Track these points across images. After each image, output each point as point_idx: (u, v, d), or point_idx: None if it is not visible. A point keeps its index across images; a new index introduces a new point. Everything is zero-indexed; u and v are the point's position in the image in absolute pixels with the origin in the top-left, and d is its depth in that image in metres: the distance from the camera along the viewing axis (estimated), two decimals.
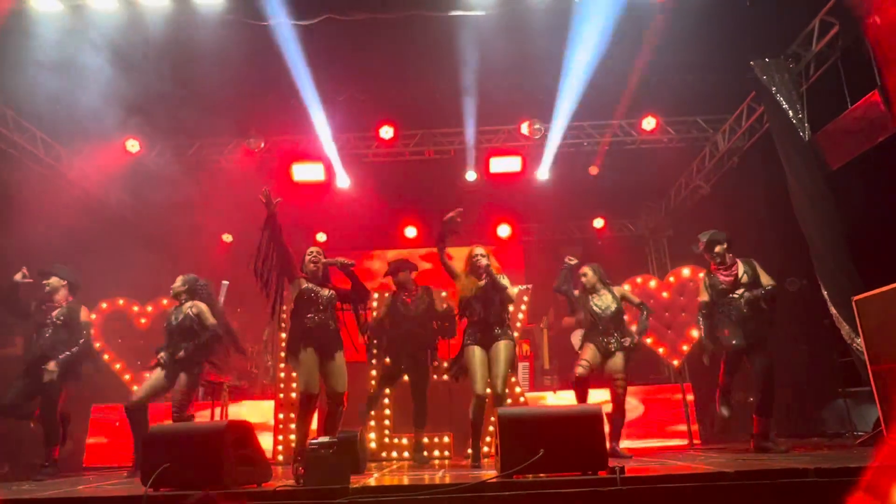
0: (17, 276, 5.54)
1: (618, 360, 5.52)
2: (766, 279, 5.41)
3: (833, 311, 5.88)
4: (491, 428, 5.97)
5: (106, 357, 7.63)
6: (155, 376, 5.37)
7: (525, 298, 7.06)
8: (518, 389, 6.67)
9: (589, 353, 5.54)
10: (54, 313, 5.59)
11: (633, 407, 7.22)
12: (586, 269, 5.82)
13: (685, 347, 7.61)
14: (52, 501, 3.39)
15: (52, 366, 5.37)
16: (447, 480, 3.41)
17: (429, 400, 5.98)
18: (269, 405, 6.90)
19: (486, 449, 5.92)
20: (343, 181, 8.91)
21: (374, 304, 6.82)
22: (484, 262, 5.04)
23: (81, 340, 5.60)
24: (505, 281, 5.08)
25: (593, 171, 8.88)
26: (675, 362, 7.78)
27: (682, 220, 10.15)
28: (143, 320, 7.96)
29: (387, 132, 8.41)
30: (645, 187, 10.25)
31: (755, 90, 7.12)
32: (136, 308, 7.93)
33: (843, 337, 5.77)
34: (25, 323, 5.75)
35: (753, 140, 7.89)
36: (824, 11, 6.14)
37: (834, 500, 2.92)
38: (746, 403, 7.94)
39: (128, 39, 6.40)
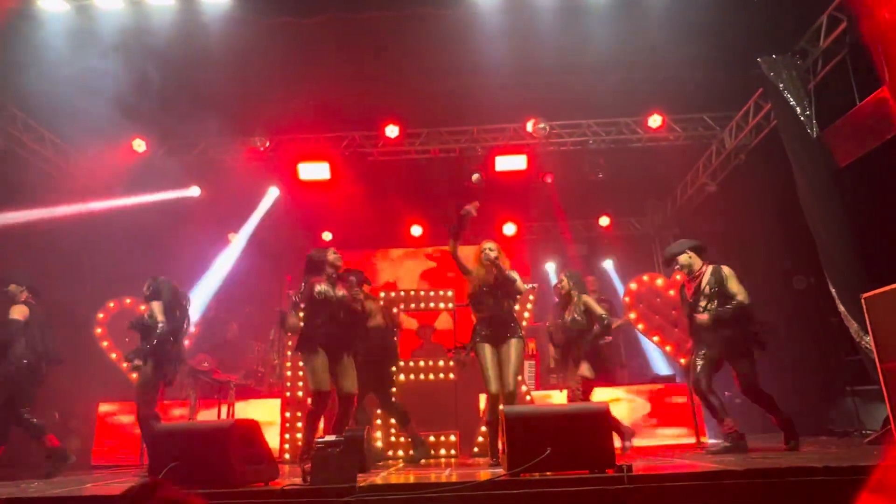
0: None
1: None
2: (734, 288, 5.09)
3: (841, 308, 5.84)
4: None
5: (113, 356, 7.66)
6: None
7: (531, 297, 7.04)
8: (524, 388, 6.66)
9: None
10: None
11: (640, 405, 7.20)
12: (562, 277, 5.86)
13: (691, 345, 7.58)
14: (60, 500, 3.40)
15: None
16: (454, 479, 3.41)
17: (434, 399, 5.99)
18: (275, 403, 6.91)
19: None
20: (348, 180, 8.91)
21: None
22: (492, 255, 5.02)
23: (36, 339, 5.58)
24: (514, 275, 5.06)
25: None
26: (682, 360, 7.74)
27: (688, 218, 10.12)
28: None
29: (392, 131, 8.41)
30: (651, 185, 10.23)
31: (762, 87, 7.08)
32: (142, 307, 7.94)
33: (851, 335, 5.74)
34: None
35: (760, 137, 7.86)
36: (832, 7, 6.10)
37: (843, 498, 2.90)
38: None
39: (134, 39, 6.42)
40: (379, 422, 6.35)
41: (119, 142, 8.14)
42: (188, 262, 9.00)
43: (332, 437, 3.48)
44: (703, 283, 5.22)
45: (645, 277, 7.90)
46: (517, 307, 6.81)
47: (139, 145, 8.23)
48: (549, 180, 9.26)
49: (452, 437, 6.32)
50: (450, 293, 6.98)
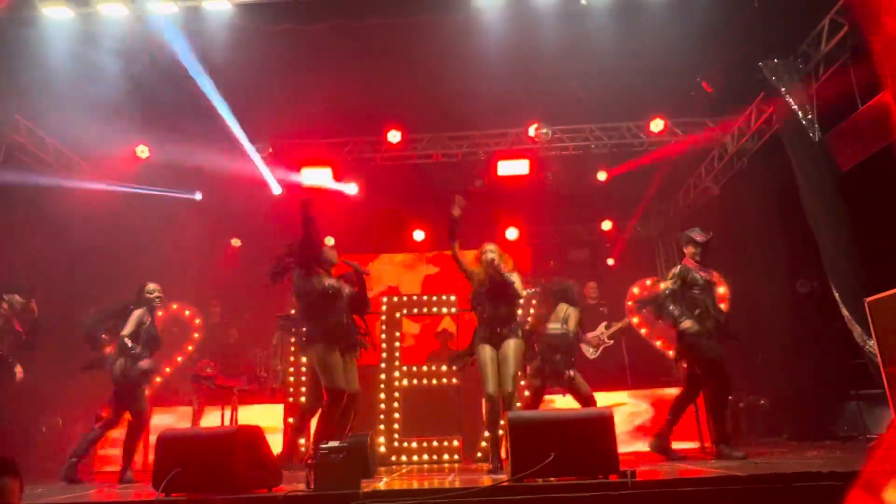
0: None
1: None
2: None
3: (845, 312, 5.83)
4: (501, 432, 5.96)
5: None
6: None
7: (533, 302, 7.04)
8: (527, 393, 6.64)
9: None
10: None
11: (644, 410, 7.19)
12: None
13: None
14: None
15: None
16: (457, 484, 3.41)
17: (438, 403, 5.98)
18: (278, 409, 6.91)
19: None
20: (351, 185, 8.93)
21: None
22: (490, 256, 5.02)
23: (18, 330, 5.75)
24: (514, 277, 5.05)
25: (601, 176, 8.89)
26: (685, 365, 7.73)
27: (690, 222, 10.06)
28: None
29: (394, 136, 8.43)
30: (653, 189, 10.21)
31: (764, 91, 7.08)
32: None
33: (855, 339, 5.72)
34: None
35: (762, 141, 7.85)
36: (834, 11, 6.10)
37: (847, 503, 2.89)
38: (757, 406, 7.90)
39: (137, 46, 6.45)
40: (382, 426, 6.35)
41: (122, 148, 8.17)
42: (190, 267, 9.01)
43: (335, 443, 3.48)
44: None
45: (648, 282, 7.91)
46: (520, 310, 6.85)
47: (142, 151, 8.25)
48: (549, 175, 9.18)
49: (455, 443, 6.31)
50: (452, 297, 6.98)
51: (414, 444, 6.30)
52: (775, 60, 6.67)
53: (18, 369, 5.74)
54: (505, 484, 3.23)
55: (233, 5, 6.20)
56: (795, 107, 6.46)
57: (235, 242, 10.39)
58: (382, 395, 6.48)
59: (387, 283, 11.07)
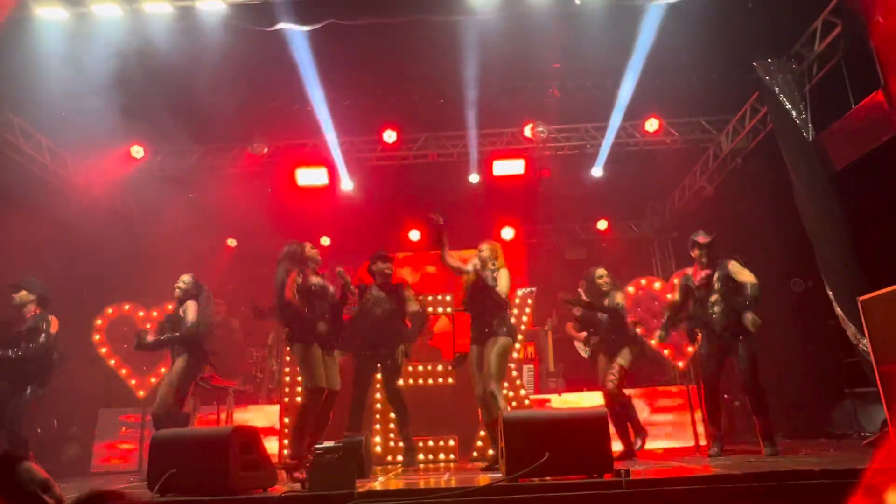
0: None
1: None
2: (745, 276, 5.18)
3: (839, 311, 5.85)
4: (482, 432, 5.98)
5: (112, 362, 7.65)
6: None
7: (529, 301, 7.05)
8: (523, 392, 6.66)
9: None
10: (24, 327, 5.59)
11: (639, 409, 7.19)
12: (603, 272, 5.89)
13: (690, 349, 7.59)
14: None
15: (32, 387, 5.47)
16: (453, 484, 3.41)
17: (433, 403, 5.98)
18: (274, 410, 6.91)
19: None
20: (347, 185, 8.93)
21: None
22: (482, 255, 5.05)
23: (55, 355, 5.65)
24: (501, 279, 5.00)
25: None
26: (681, 364, 7.76)
27: (686, 222, 10.12)
28: (147, 325, 7.97)
29: (390, 136, 8.42)
30: (648, 189, 10.25)
31: (758, 91, 7.10)
32: (141, 313, 7.96)
33: (849, 337, 5.75)
34: None
35: (757, 141, 7.87)
36: (827, 12, 6.12)
37: (841, 501, 2.91)
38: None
39: (132, 46, 6.43)
40: (378, 426, 6.35)
41: (117, 148, 8.15)
42: (186, 267, 8.99)
43: (330, 443, 3.49)
44: (714, 278, 5.31)
45: (643, 281, 7.93)
46: (515, 310, 6.86)
47: (137, 151, 8.23)
48: (547, 175, 9.22)
49: (451, 442, 6.31)
50: (448, 297, 6.98)
51: None
52: (769, 60, 6.69)
53: None
54: (500, 483, 3.24)
55: (227, 5, 6.19)
56: (789, 106, 6.49)
57: (231, 242, 10.39)
58: (378, 395, 6.49)
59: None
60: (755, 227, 8.11)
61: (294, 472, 4.35)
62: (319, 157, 8.62)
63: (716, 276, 5.30)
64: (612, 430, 3.98)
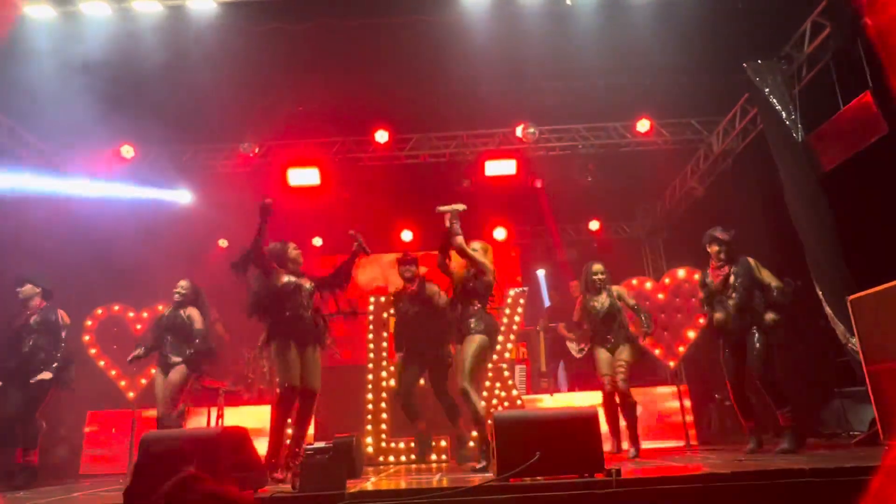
0: None
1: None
2: (770, 278, 5.24)
3: (828, 311, 5.89)
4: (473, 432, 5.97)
5: (101, 363, 7.59)
6: (157, 382, 5.52)
7: (521, 301, 7.05)
8: (515, 392, 6.66)
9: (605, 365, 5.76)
10: (31, 320, 5.65)
11: None
12: (600, 268, 5.90)
13: (681, 349, 7.62)
14: None
15: (46, 375, 5.49)
16: (444, 484, 3.41)
17: (425, 404, 5.99)
18: (265, 410, 6.86)
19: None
20: (338, 186, 8.90)
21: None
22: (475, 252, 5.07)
23: (62, 345, 5.69)
24: (479, 254, 5.04)
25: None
26: (671, 363, 7.79)
27: (677, 222, 10.18)
28: (138, 326, 7.92)
29: (382, 136, 8.40)
30: (640, 189, 10.28)
31: (748, 92, 7.15)
32: (131, 314, 7.91)
33: (838, 337, 5.78)
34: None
35: (747, 141, 7.92)
36: (816, 13, 6.17)
37: (830, 500, 2.92)
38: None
39: (122, 46, 6.39)
40: (370, 427, 6.33)
41: (107, 148, 8.09)
42: (177, 268, 8.94)
43: (321, 444, 3.47)
44: (731, 276, 5.29)
45: (634, 281, 7.94)
46: (507, 309, 6.87)
47: (127, 151, 8.18)
48: (538, 185, 9.32)
49: (443, 443, 6.30)
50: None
51: (402, 445, 6.29)
52: (759, 61, 6.74)
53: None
54: (491, 483, 3.24)
55: (217, 4, 6.16)
56: (779, 107, 6.52)
57: (223, 243, 10.34)
58: (370, 396, 6.47)
59: (375, 283, 11.05)
60: (745, 227, 8.12)
61: (273, 473, 4.32)
62: (311, 157, 8.60)
63: (733, 275, 5.28)
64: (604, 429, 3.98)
